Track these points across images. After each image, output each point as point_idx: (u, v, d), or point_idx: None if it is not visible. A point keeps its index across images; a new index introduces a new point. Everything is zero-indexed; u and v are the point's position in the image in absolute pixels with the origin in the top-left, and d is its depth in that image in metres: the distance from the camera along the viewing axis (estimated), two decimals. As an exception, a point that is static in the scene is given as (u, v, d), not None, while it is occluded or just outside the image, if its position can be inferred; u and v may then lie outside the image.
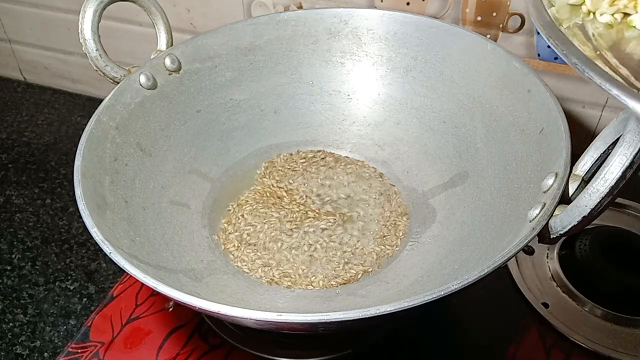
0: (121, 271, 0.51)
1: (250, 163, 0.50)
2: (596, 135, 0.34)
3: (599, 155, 0.33)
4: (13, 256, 0.56)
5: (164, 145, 0.46)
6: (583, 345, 0.42)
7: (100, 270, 0.54)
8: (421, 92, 0.48)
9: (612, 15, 0.28)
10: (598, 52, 0.26)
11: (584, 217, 0.30)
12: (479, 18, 0.53)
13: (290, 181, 0.48)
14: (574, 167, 0.34)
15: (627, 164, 0.28)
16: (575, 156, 0.34)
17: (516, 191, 0.38)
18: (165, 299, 0.47)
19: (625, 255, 0.48)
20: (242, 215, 0.46)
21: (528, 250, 0.49)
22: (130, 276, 0.31)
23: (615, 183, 0.29)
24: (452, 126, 0.46)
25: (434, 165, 0.47)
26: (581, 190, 0.31)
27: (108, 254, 0.32)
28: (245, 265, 0.43)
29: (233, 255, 0.43)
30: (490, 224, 0.39)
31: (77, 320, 0.50)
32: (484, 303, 0.45)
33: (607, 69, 0.24)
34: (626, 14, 0.29)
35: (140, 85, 0.44)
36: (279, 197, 0.47)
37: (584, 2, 0.29)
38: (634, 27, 0.28)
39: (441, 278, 0.38)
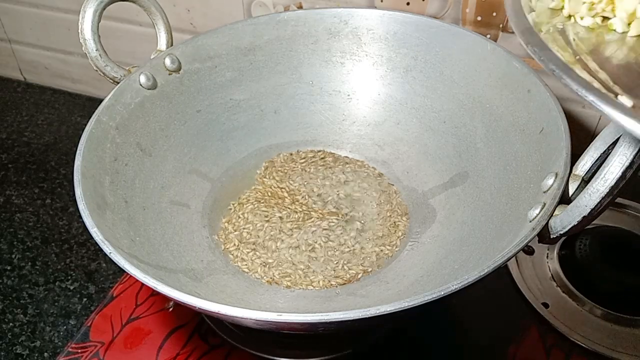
0: (121, 271, 0.51)
1: (250, 163, 0.50)
2: (596, 135, 0.34)
3: (599, 155, 0.33)
4: (13, 256, 0.56)
5: (164, 145, 0.46)
6: (583, 345, 0.42)
7: (100, 270, 0.54)
8: (421, 92, 0.48)
9: (593, 17, 0.28)
10: (578, 57, 0.26)
11: (584, 217, 0.30)
12: (479, 18, 0.53)
13: (291, 181, 0.48)
14: (574, 167, 0.34)
15: (627, 164, 0.28)
16: (575, 156, 0.34)
17: (516, 191, 0.38)
18: (165, 299, 0.47)
19: (625, 255, 0.48)
20: (243, 214, 0.46)
21: (528, 250, 0.49)
22: (130, 276, 0.31)
23: (615, 183, 0.29)
24: (452, 126, 0.46)
25: (434, 165, 0.47)
26: (581, 190, 0.31)
27: (108, 254, 0.32)
28: (245, 264, 0.43)
29: (233, 255, 0.43)
30: (490, 224, 0.39)
31: (77, 320, 0.50)
32: (484, 303, 0.45)
33: (585, 75, 0.24)
34: (606, 18, 0.28)
35: (140, 85, 0.44)
36: (280, 198, 0.47)
37: (563, 6, 0.29)
38: (614, 30, 0.28)
39: (441, 278, 0.38)
